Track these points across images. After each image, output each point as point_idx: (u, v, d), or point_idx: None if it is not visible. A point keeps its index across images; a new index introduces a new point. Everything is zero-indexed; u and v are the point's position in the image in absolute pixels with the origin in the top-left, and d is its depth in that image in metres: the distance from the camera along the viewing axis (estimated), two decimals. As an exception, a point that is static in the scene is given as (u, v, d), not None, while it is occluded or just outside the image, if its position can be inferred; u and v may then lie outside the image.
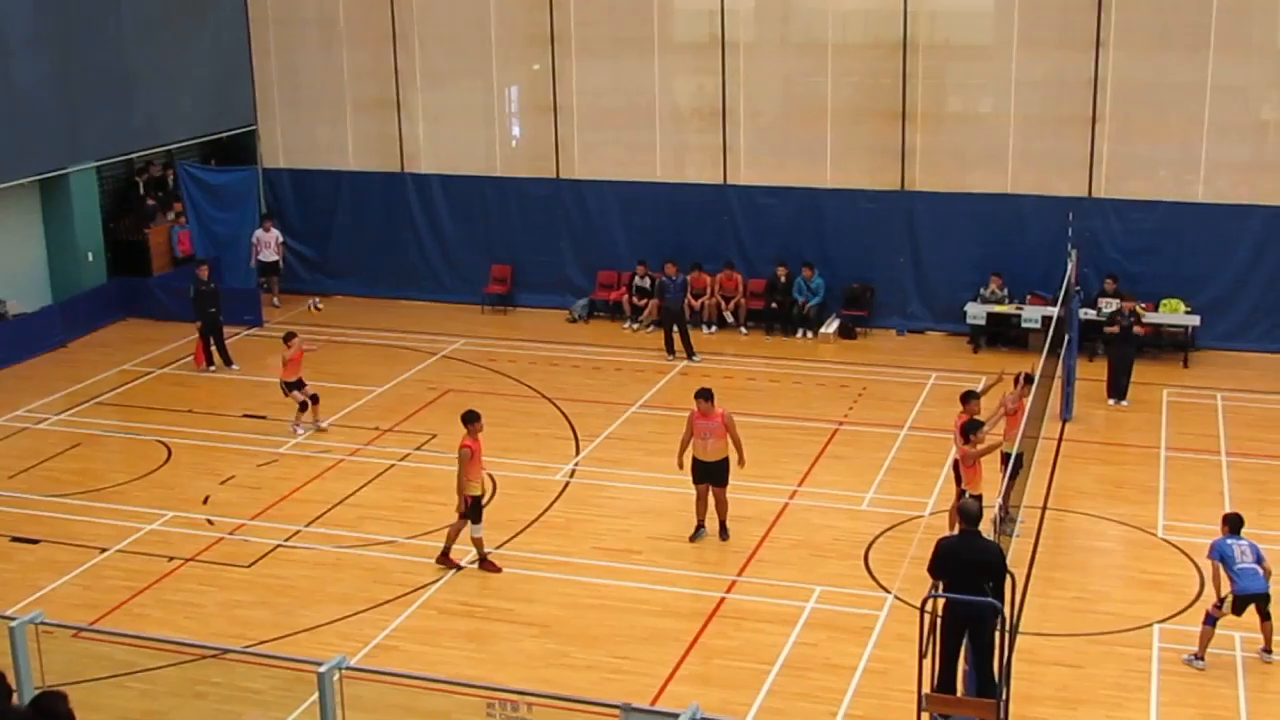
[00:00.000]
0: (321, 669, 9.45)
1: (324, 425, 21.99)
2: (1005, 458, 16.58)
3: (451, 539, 17.10)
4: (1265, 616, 14.79)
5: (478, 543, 17.07)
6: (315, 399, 21.93)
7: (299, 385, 21.90)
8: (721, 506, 17.84)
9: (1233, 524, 14.94)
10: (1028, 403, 17.28)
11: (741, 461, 17.71)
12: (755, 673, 14.77)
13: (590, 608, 16.25)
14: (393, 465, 20.58)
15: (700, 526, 17.86)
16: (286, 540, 18.13)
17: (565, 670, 14.85)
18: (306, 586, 16.85)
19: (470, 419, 17.03)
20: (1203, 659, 14.74)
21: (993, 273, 26.34)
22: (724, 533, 17.87)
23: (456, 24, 29.20)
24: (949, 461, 18.46)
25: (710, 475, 17.65)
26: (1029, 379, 17.97)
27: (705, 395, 17.59)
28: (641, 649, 15.31)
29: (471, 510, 16.90)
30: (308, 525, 18.56)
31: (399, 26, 29.27)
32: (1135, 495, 19.35)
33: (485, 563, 17.11)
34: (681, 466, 17.76)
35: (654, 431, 21.72)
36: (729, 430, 17.56)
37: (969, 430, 16.88)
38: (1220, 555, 14.70)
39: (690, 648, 15.34)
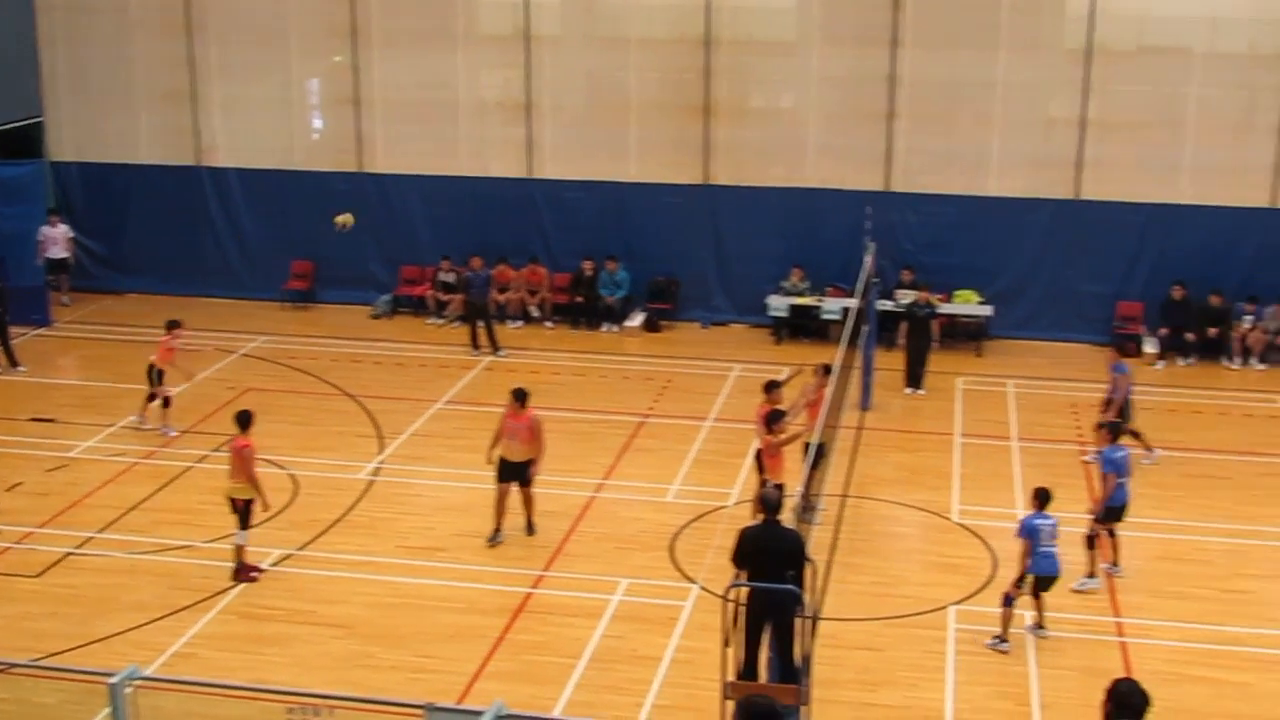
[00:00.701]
0: (113, 680, 9.17)
1: (144, 421, 21.42)
2: (806, 447, 16.83)
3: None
4: (1037, 595, 15.26)
5: (240, 550, 16.63)
6: (153, 398, 21.34)
7: (161, 378, 21.31)
8: (528, 503, 17.78)
9: (1042, 499, 15.17)
10: (827, 392, 17.58)
11: (533, 473, 17.59)
12: (562, 667, 14.75)
13: (395, 607, 16.05)
14: (190, 468, 20.05)
15: (498, 530, 17.68)
16: (78, 548, 17.51)
17: (370, 671, 14.64)
18: (99, 595, 16.30)
19: (245, 419, 16.63)
20: (1006, 640, 15.10)
21: (794, 265, 26.78)
22: (530, 528, 17.81)
23: (254, 14, 28.60)
24: (752, 451, 18.67)
25: (515, 474, 17.58)
26: (827, 369, 18.29)
27: (518, 396, 17.52)
28: (447, 647, 15.18)
29: (248, 513, 16.50)
30: (100, 531, 17.96)
31: (194, 16, 28.54)
32: (931, 481, 19.85)
33: (243, 571, 16.67)
34: (490, 462, 17.65)
35: (459, 428, 21.57)
36: (535, 434, 17.50)
37: (772, 420, 17.11)
38: (1029, 533, 14.96)
39: (497, 644, 15.25)
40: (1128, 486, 16.67)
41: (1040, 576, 15.02)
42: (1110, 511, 16.60)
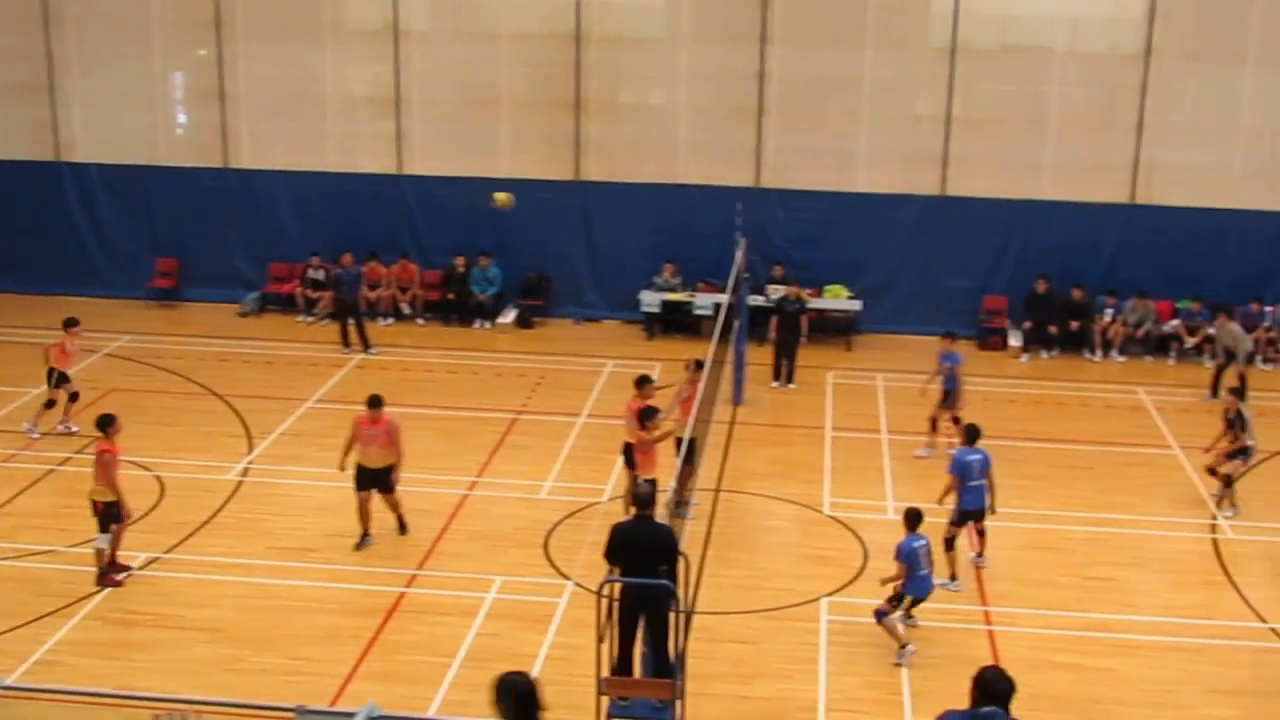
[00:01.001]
0: (-30, 691, 8.91)
1: (74, 429, 20.72)
2: (678, 442, 16.89)
3: (114, 549, 16.36)
4: (909, 610, 15.28)
5: (100, 554, 16.26)
6: (75, 397, 20.81)
7: (66, 379, 20.77)
8: (393, 505, 17.48)
9: (913, 520, 14.99)
10: (700, 388, 17.65)
11: (396, 477, 17.28)
12: (437, 666, 14.65)
13: (266, 609, 15.82)
14: (51, 470, 19.58)
15: (365, 535, 17.38)
16: (-66, 553, 17.04)
17: (240, 675, 14.40)
18: (-43, 602, 15.88)
19: (106, 422, 16.28)
20: (907, 644, 14.82)
21: (666, 261, 26.90)
22: (402, 528, 17.63)
23: (114, 6, 28.01)
24: (623, 447, 18.68)
25: (374, 481, 17.23)
26: (699, 365, 18.36)
27: (374, 403, 17.17)
28: (320, 649, 14.99)
29: (108, 516, 16.16)
30: (-42, 536, 17.50)
31: (51, 7, 27.84)
32: (803, 474, 20.04)
33: (107, 574, 16.30)
34: (343, 469, 17.32)
35: (330, 426, 21.27)
36: (392, 439, 17.19)
37: (645, 416, 17.15)
38: (908, 557, 14.71)
39: (370, 645, 15.10)
40: (984, 488, 16.44)
41: (915, 598, 15.00)
42: (963, 515, 16.50)
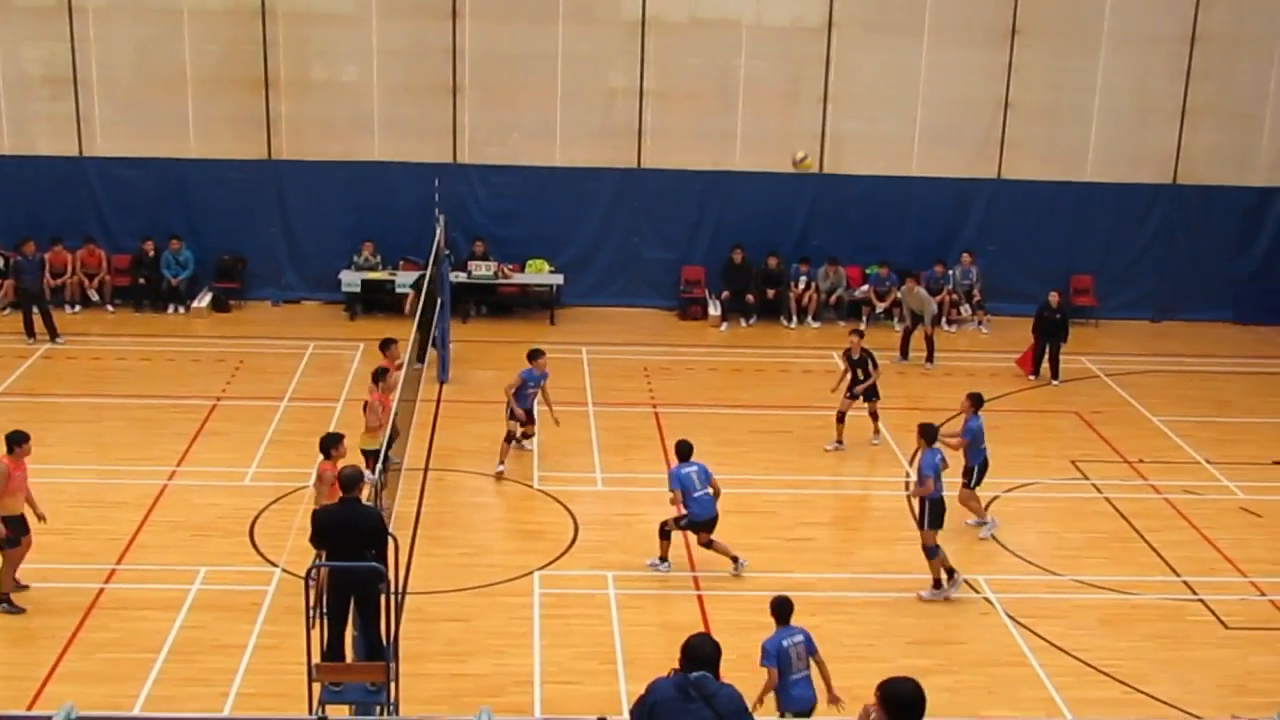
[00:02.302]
0: None
1: None
2: (372, 456, 16.65)
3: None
4: None
5: None
6: None
7: None
8: (18, 564, 15.49)
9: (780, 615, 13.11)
10: (394, 399, 17.25)
11: (41, 516, 15.42)
12: (141, 662, 14.18)
13: (-49, 616, 15.05)
14: None
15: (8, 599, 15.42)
16: None
17: (-74, 686, 13.69)
18: None
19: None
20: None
21: (365, 240, 26.55)
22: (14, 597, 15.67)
23: None
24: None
25: (28, 527, 15.36)
26: (382, 373, 17.71)
27: (21, 439, 15.20)
28: (13, 652, 14.37)
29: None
30: None
31: None
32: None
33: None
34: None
35: (17, 421, 19.92)
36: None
37: (328, 445, 16.14)
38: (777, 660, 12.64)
39: (68, 644, 14.51)
40: (709, 497, 16.11)
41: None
42: (693, 524, 16.14)
